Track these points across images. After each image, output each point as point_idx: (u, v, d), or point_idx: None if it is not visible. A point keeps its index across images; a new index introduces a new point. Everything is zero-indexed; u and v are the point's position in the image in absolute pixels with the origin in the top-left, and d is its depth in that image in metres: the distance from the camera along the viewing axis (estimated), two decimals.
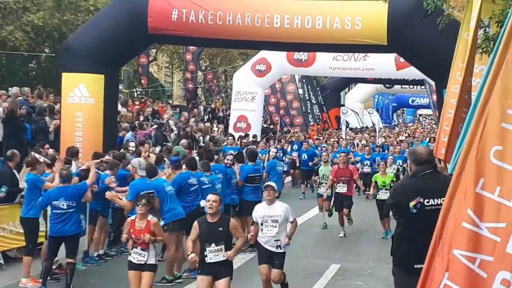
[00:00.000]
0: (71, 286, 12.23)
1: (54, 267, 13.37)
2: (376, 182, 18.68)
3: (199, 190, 14.11)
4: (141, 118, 25.52)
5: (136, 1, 18.87)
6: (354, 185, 19.78)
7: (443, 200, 6.14)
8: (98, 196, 13.93)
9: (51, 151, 16.38)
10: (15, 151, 14.78)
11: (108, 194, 13.04)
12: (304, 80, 40.01)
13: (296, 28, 18.39)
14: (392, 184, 17.99)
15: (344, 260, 15.28)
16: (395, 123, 66.78)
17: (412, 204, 7.20)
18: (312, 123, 39.02)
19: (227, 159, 16.61)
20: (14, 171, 14.62)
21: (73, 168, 14.62)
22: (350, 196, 18.63)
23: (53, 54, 33.99)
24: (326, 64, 32.43)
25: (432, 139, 31.65)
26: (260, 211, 11.28)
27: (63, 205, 12.27)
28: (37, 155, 14.47)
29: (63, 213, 12.25)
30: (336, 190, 18.55)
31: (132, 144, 18.59)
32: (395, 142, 32.20)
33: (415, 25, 17.23)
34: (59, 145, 18.10)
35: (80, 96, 18.42)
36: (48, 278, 12.63)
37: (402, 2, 17.50)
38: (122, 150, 17.86)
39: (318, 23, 18.26)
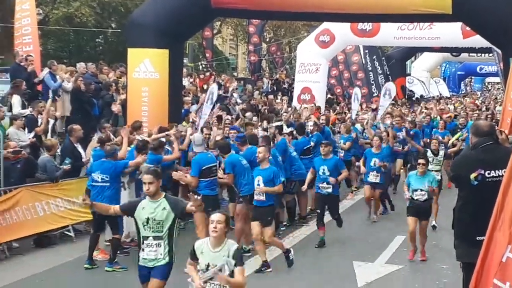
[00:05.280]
0: (115, 260, 12.57)
1: (128, 240, 13.74)
2: None
3: None
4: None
5: None
6: None
7: (504, 171, 6.08)
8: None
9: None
10: (74, 126, 15.25)
11: (175, 175, 13.23)
12: (367, 51, 39.56)
13: None
14: None
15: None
16: (463, 92, 65.69)
17: (473, 176, 7.14)
18: (375, 94, 38.63)
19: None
20: (76, 145, 15.02)
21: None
22: None
23: (119, 30, 34.39)
24: (390, 34, 31.99)
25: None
26: None
27: (98, 177, 12.58)
28: (112, 136, 14.82)
29: (98, 187, 12.54)
30: None
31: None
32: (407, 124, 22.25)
33: None
34: (126, 120, 18.43)
35: (146, 71, 18.62)
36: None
37: None
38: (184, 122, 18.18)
39: None
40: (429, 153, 16.58)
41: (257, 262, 12.70)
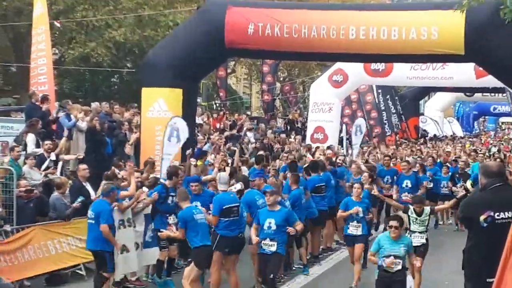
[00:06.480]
0: None
1: (133, 278, 13.73)
2: None
3: None
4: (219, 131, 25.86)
5: (214, 16, 19.14)
6: None
7: None
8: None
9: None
10: (80, 165, 15.43)
11: (162, 235, 12.98)
12: (380, 90, 39.63)
13: (372, 39, 18.32)
14: None
15: (422, 271, 15.09)
16: (476, 131, 65.53)
17: (482, 218, 7.15)
18: (389, 133, 38.61)
19: None
20: (85, 184, 15.08)
21: None
22: None
23: (134, 70, 34.70)
24: (403, 74, 32.05)
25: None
26: None
27: (89, 213, 12.54)
28: (116, 170, 14.87)
29: (88, 224, 12.50)
30: None
31: (211, 156, 18.93)
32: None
33: (492, 35, 17.00)
34: (139, 159, 18.51)
35: (159, 110, 18.78)
36: None
37: (479, 12, 17.18)
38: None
39: (394, 34, 18.15)
40: (412, 212, 13.41)
41: None
